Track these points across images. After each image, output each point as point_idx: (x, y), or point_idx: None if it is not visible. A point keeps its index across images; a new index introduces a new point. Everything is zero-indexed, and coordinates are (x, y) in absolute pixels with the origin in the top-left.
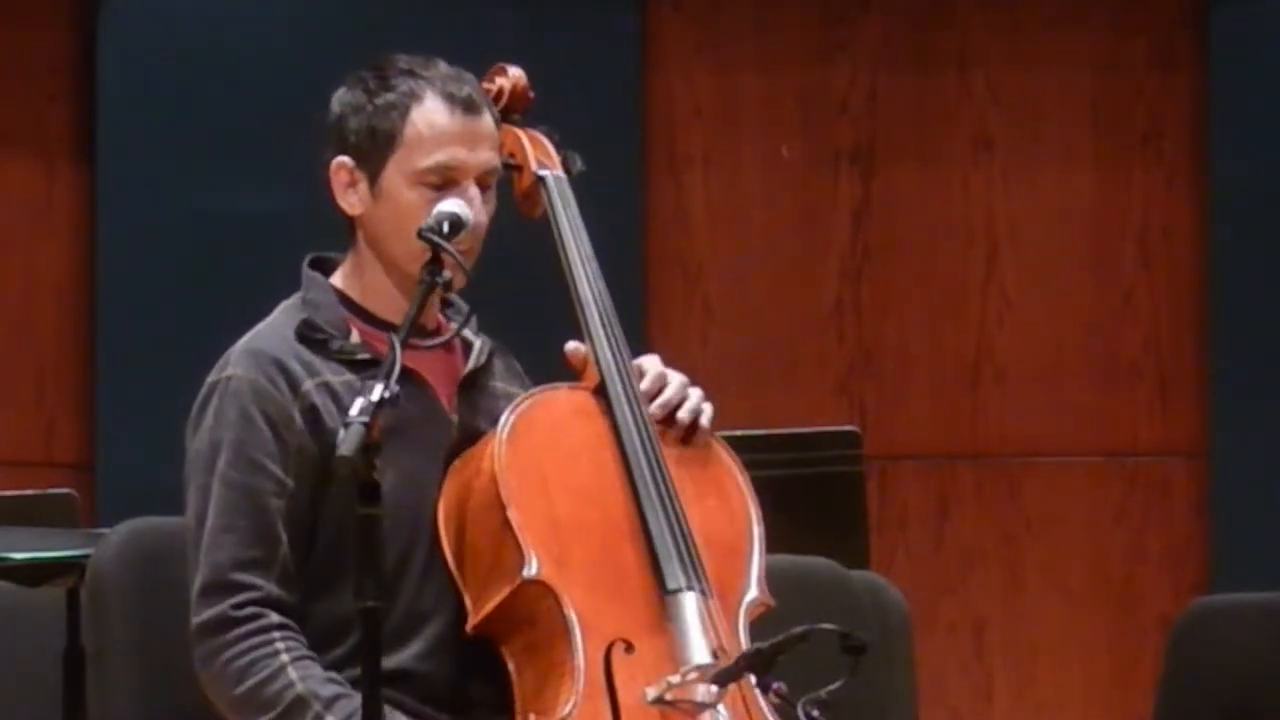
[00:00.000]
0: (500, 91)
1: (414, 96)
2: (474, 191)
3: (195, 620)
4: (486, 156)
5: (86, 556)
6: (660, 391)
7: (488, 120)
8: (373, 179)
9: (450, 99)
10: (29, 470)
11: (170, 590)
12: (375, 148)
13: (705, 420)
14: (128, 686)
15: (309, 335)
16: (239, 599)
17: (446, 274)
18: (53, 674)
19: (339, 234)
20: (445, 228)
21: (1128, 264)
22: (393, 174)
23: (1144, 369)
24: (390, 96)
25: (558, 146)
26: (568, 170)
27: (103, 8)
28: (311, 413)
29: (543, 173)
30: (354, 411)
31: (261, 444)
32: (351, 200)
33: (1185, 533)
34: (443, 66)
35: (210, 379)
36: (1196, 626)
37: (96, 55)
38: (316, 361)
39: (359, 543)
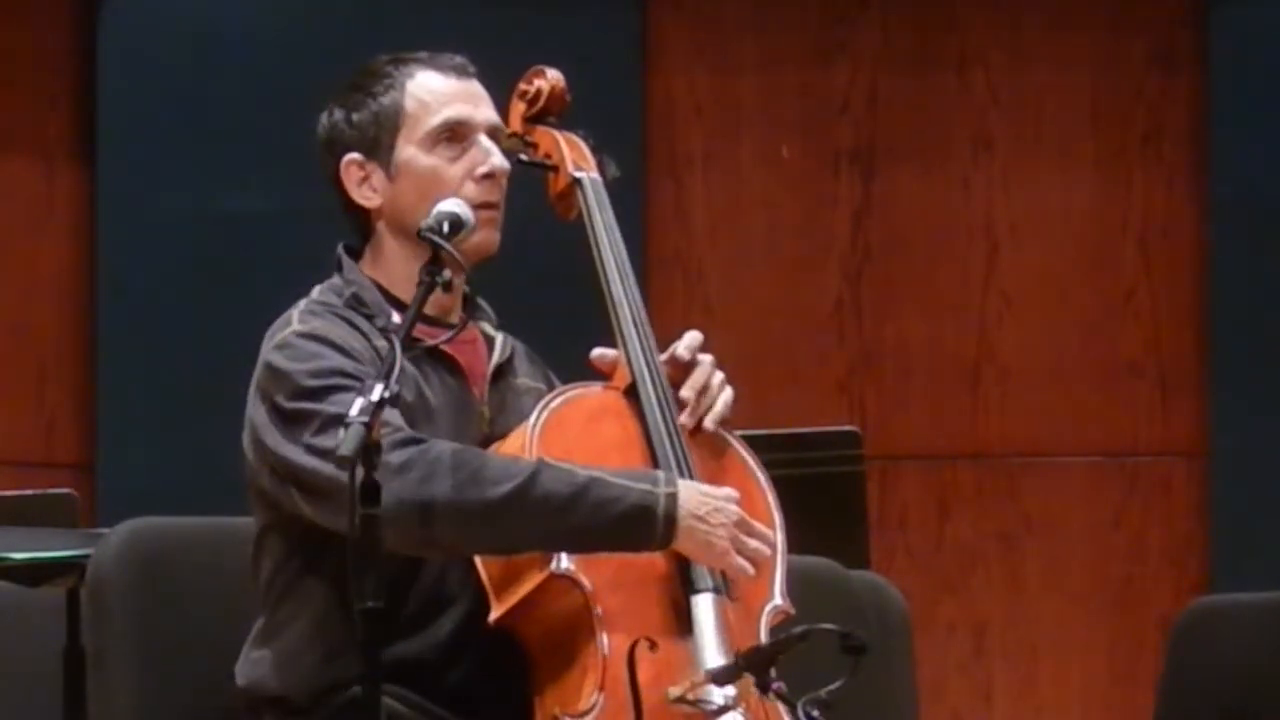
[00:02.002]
0: (538, 94)
1: (407, 75)
2: (488, 142)
3: (347, 448)
4: (490, 113)
5: (86, 556)
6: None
7: (480, 85)
8: (386, 162)
9: (442, 67)
10: (29, 470)
11: (170, 590)
12: (381, 131)
13: (712, 420)
14: (128, 686)
15: (358, 308)
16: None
17: (447, 273)
18: (53, 674)
19: (340, 233)
20: (445, 228)
21: (1128, 264)
22: (405, 148)
23: (1144, 369)
24: (385, 82)
25: (594, 150)
26: (603, 173)
27: (103, 8)
28: (376, 365)
29: (579, 174)
30: (354, 411)
31: (358, 369)
32: (367, 193)
33: (1185, 533)
34: (424, 53)
35: (275, 341)
36: (1196, 626)
37: (96, 55)
38: (370, 330)
39: (359, 543)
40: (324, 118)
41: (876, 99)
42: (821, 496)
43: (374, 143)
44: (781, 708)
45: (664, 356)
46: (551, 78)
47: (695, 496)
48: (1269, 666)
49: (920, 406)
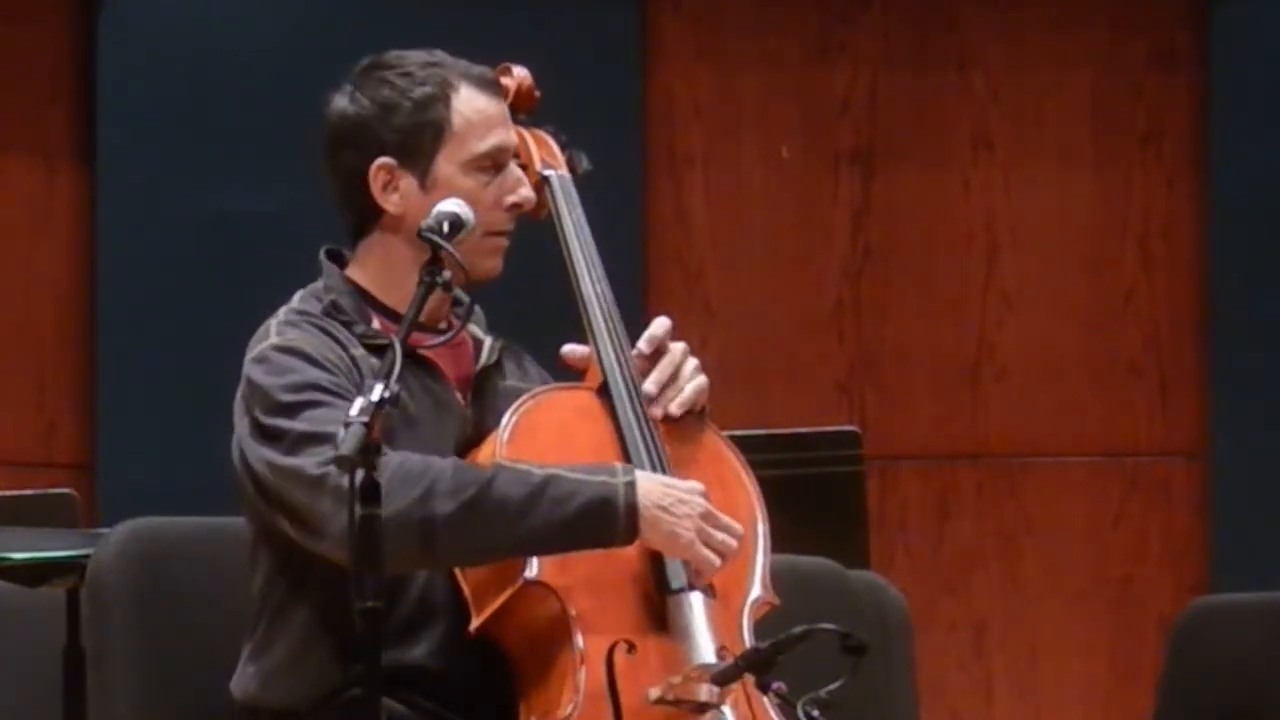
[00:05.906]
0: (506, 91)
1: (449, 85)
2: (518, 171)
3: (317, 471)
4: (515, 137)
5: (86, 556)
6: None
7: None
8: (422, 172)
9: (482, 83)
10: (29, 470)
11: (170, 590)
12: (423, 142)
13: (678, 407)
14: (128, 686)
15: (335, 315)
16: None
17: (446, 274)
18: (53, 674)
19: (338, 233)
20: (445, 228)
21: (1128, 264)
22: (445, 165)
23: (1144, 369)
24: (427, 89)
25: (563, 146)
26: (573, 170)
27: (103, 8)
28: (350, 377)
29: (548, 172)
30: (354, 411)
31: (333, 383)
32: (393, 199)
33: (1185, 533)
34: (445, 54)
35: (253, 355)
36: (1196, 626)
37: (96, 55)
38: (348, 339)
39: (359, 542)
40: (344, 103)
41: (876, 99)
42: (821, 496)
43: (412, 151)
44: (768, 703)
45: (634, 352)
46: (518, 75)
47: (657, 488)
48: (1269, 666)
49: (920, 406)
